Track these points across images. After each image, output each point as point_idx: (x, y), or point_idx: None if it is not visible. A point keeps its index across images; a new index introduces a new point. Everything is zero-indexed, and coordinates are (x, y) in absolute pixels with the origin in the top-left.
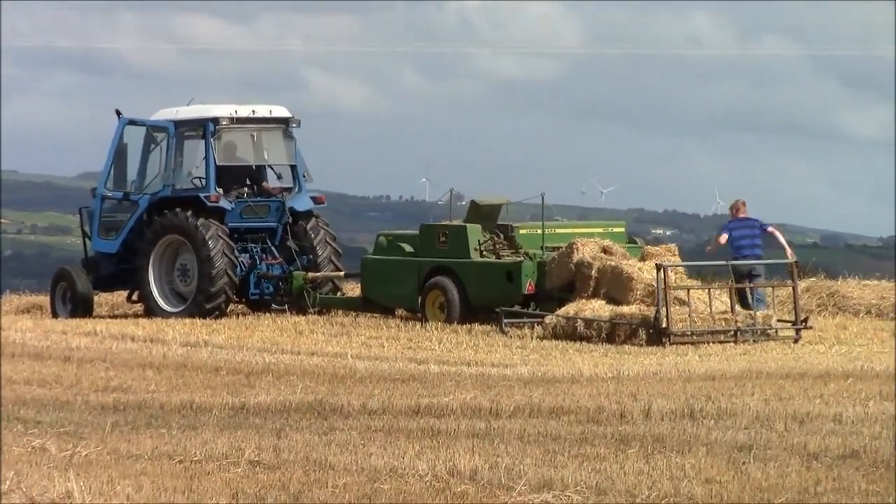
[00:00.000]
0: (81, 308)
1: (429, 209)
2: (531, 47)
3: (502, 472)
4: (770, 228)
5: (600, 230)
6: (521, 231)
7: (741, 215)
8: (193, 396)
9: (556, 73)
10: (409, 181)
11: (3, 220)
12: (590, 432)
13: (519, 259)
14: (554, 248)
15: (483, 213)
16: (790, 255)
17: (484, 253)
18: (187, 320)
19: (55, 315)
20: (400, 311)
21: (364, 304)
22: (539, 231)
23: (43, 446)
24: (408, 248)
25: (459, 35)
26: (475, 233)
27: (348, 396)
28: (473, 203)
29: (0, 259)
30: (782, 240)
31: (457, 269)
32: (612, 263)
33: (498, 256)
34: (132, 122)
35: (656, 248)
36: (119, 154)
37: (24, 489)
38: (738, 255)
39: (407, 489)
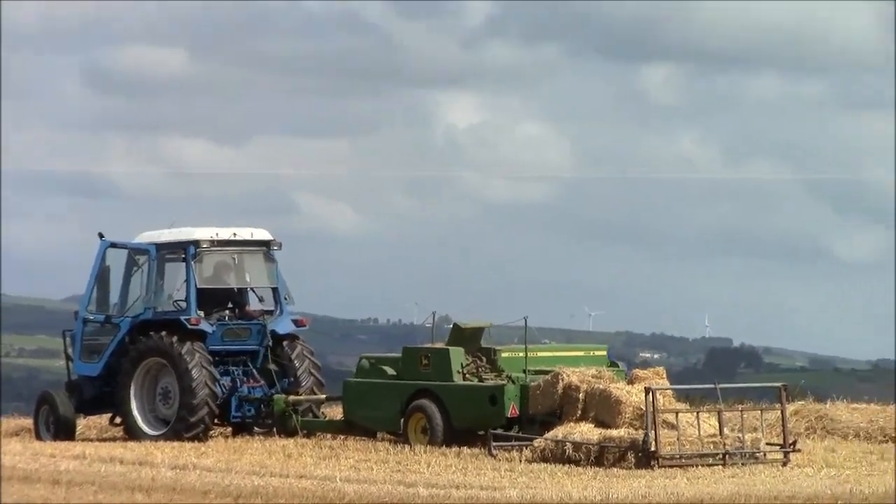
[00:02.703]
0: (63, 432)
1: (417, 332)
2: (521, 170)
3: None
4: None
5: (582, 353)
6: (504, 354)
7: None
8: None
9: (547, 196)
10: (398, 304)
11: None
12: None
13: (502, 382)
14: (537, 372)
15: (466, 337)
16: None
17: (467, 376)
18: (175, 443)
19: (39, 438)
20: (383, 434)
21: (346, 427)
22: (522, 354)
23: None
24: (390, 370)
25: (448, 158)
26: (458, 356)
27: None
28: (456, 326)
29: (0, 379)
30: None
31: (439, 391)
32: (601, 387)
33: (481, 379)
34: (114, 245)
35: (644, 371)
36: (101, 277)
37: None
38: None
39: None
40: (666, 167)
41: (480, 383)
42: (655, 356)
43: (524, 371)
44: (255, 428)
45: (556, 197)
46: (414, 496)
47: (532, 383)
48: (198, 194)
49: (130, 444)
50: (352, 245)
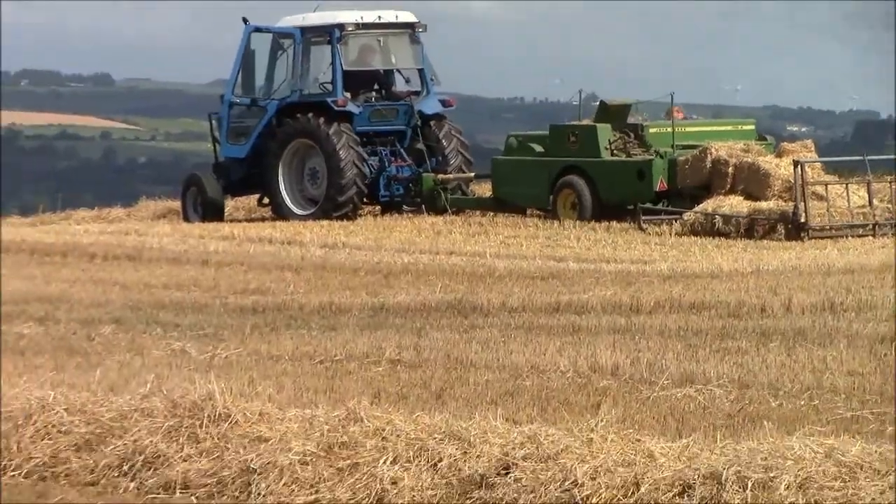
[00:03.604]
0: (212, 213)
1: (562, 110)
2: None
3: (644, 367)
4: None
5: (730, 128)
6: (652, 130)
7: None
8: (332, 297)
9: None
10: (544, 82)
11: (136, 127)
12: (731, 327)
13: (650, 157)
14: (685, 147)
15: (612, 114)
16: None
17: (615, 152)
18: (324, 222)
19: (187, 220)
20: (532, 211)
21: (495, 205)
22: (669, 130)
23: (183, 349)
24: (538, 148)
25: None
26: (605, 132)
27: (488, 295)
28: (602, 103)
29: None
30: None
31: (587, 168)
32: (749, 160)
33: (629, 155)
34: (258, 30)
35: (792, 144)
36: (246, 61)
37: (165, 392)
38: None
39: (549, 385)
40: None
41: (629, 158)
42: (803, 129)
43: (672, 146)
44: (404, 206)
45: None
46: (564, 270)
47: (680, 158)
48: None
49: (279, 224)
50: (496, 25)
